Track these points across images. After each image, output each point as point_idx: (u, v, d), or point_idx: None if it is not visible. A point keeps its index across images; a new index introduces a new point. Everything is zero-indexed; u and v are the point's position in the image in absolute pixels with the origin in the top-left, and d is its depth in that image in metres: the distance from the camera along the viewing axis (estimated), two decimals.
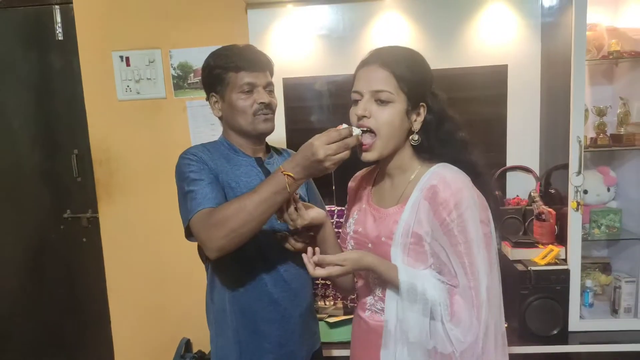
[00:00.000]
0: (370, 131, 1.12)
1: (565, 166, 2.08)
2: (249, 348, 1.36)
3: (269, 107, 1.39)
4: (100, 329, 2.66)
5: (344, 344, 2.05)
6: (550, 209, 2.13)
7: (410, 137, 1.16)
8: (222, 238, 1.15)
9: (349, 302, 2.27)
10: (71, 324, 2.74)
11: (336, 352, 2.04)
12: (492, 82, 2.31)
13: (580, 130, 1.97)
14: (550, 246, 2.07)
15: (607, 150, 2.12)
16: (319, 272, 1.08)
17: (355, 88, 1.16)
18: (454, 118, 1.19)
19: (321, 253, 1.25)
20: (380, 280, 1.16)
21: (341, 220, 2.19)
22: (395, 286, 1.10)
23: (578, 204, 2.00)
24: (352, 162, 1.16)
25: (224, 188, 1.32)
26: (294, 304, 1.41)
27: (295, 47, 2.35)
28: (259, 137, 1.43)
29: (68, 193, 2.65)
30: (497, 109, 2.32)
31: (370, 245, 1.18)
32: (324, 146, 1.06)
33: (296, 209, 1.18)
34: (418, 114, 1.16)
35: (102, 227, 2.58)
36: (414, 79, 1.13)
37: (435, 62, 2.27)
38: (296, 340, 1.43)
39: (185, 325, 2.57)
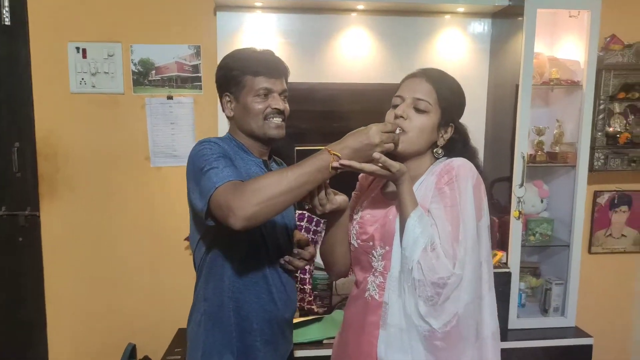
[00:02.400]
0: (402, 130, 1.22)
1: (507, 179, 2.30)
2: (243, 345, 1.37)
3: (282, 114, 1.40)
4: (35, 334, 2.48)
5: (301, 345, 2.09)
6: (494, 218, 2.34)
7: (434, 150, 1.27)
8: (257, 205, 1.10)
9: (305, 304, 2.33)
10: (3, 329, 2.53)
11: (297, 353, 2.08)
12: None
13: (524, 146, 2.20)
14: (494, 251, 2.28)
15: (543, 165, 2.37)
16: (376, 155, 1.12)
17: (399, 93, 1.26)
18: (474, 147, 1.33)
19: (332, 236, 1.33)
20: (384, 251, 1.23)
21: (311, 226, 2.25)
22: (403, 216, 1.17)
23: (520, 213, 2.23)
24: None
25: None
26: (286, 305, 1.45)
27: None
28: (267, 142, 1.44)
29: (5, 189, 2.45)
30: None
31: (377, 225, 1.25)
32: (380, 133, 1.12)
33: (326, 194, 1.20)
34: (446, 131, 1.27)
35: (43, 226, 2.42)
36: (451, 99, 1.26)
37: (396, 77, 2.45)
38: (280, 341, 1.46)
39: (130, 331, 2.48)
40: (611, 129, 2.47)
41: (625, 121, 2.53)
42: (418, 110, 1.23)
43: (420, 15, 2.41)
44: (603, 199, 2.61)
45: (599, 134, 2.39)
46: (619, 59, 2.34)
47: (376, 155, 1.12)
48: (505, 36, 2.35)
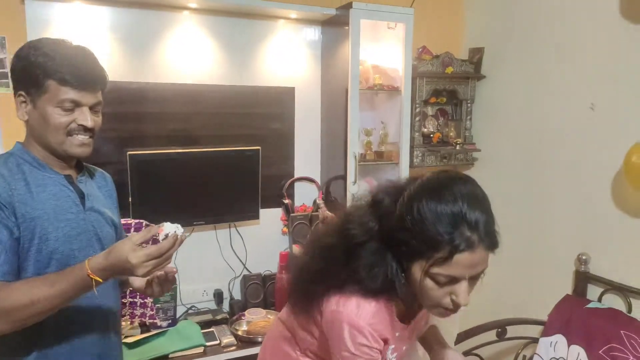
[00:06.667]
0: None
1: (342, 177, 2.46)
2: None
3: (90, 130, 1.20)
4: None
5: None
6: (332, 214, 2.47)
7: None
8: (6, 326, 1.04)
9: (147, 319, 2.18)
10: None
11: None
12: (283, 101, 2.56)
13: (355, 146, 2.37)
14: None
15: (372, 163, 2.58)
16: None
17: (455, 273, 0.93)
18: None
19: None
20: None
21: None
22: None
23: None
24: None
25: (22, 222, 1.12)
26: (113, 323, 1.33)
27: None
28: (69, 160, 1.24)
29: None
30: (287, 125, 2.59)
31: (404, 348, 1.18)
32: (143, 265, 1.02)
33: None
34: None
35: None
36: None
37: (234, 78, 2.44)
38: None
39: None
40: (426, 130, 2.80)
41: (437, 122, 2.89)
42: (474, 279, 0.97)
43: (255, 18, 2.43)
44: None
45: (417, 134, 2.69)
46: (429, 68, 2.67)
47: None
48: (334, 43, 2.50)
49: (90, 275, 1.03)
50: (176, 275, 2.05)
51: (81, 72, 1.15)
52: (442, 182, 0.96)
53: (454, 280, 0.93)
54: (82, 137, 1.19)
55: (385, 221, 0.99)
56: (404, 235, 0.94)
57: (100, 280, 1.04)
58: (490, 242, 0.92)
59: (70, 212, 1.20)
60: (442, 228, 0.90)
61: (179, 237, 1.06)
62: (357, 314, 1.00)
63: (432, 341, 1.31)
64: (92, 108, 1.20)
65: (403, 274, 0.99)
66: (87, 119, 1.17)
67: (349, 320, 1.00)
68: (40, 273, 1.13)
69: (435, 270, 0.92)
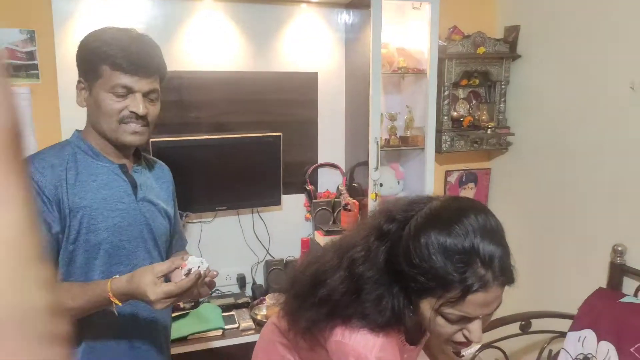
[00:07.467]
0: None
1: (365, 163, 2.41)
2: None
3: (143, 119, 1.16)
4: None
5: None
6: (354, 200, 2.44)
7: None
8: None
9: None
10: None
11: None
12: (305, 87, 2.54)
13: (377, 132, 2.32)
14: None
15: (397, 149, 2.52)
16: None
17: (467, 312, 0.87)
18: None
19: None
20: None
21: None
22: None
23: (376, 195, 2.35)
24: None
25: (68, 213, 1.13)
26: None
27: None
28: (122, 148, 1.22)
29: None
30: (310, 111, 2.56)
31: None
32: (161, 301, 1.02)
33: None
34: None
35: None
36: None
37: (255, 65, 2.44)
38: None
39: None
40: (455, 113, 2.69)
41: (469, 105, 2.78)
42: (487, 314, 0.92)
43: (276, 2, 2.40)
44: (453, 178, 2.85)
45: (445, 118, 2.59)
46: (459, 49, 2.55)
47: None
48: (358, 26, 2.44)
49: (111, 298, 1.03)
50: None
51: (134, 57, 1.13)
52: (452, 212, 0.89)
53: (466, 319, 0.89)
54: (134, 125, 1.16)
55: (392, 253, 0.94)
56: (411, 270, 0.88)
57: (119, 303, 1.04)
58: (506, 278, 0.86)
59: (121, 202, 1.20)
60: (452, 266, 0.83)
61: (201, 274, 1.05)
62: (364, 346, 0.94)
63: (437, 351, 1.28)
64: (147, 95, 1.17)
65: (411, 307, 0.94)
66: (139, 105, 1.14)
67: (355, 354, 0.94)
68: (89, 263, 1.16)
69: (447, 310, 0.87)
